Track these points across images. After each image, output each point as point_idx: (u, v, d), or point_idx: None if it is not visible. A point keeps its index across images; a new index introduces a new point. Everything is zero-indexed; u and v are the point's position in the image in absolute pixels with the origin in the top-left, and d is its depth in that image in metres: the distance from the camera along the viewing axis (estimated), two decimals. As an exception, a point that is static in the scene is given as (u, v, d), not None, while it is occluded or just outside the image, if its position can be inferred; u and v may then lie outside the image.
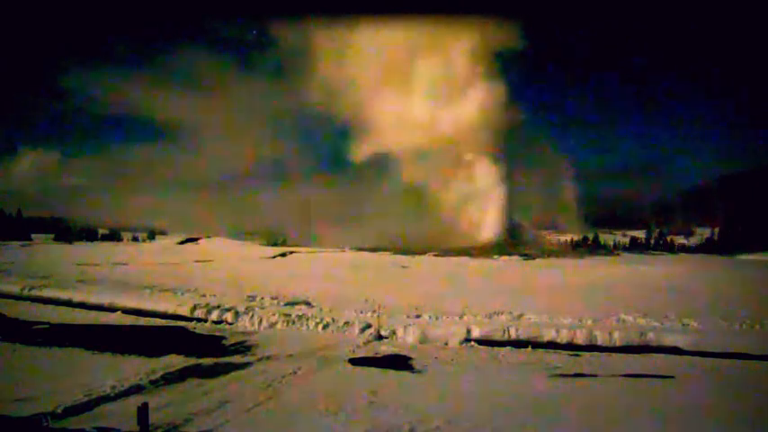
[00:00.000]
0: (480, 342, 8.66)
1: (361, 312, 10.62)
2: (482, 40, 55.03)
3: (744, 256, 36.64)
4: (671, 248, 59.17)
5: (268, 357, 7.39)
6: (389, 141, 58.51)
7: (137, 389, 5.75)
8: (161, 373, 6.40)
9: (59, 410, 4.92)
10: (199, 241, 45.03)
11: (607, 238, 74.31)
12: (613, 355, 8.16)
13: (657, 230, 73.26)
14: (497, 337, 8.80)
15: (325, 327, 9.48)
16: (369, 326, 9.28)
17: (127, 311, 11.09)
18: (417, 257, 32.85)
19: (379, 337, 8.88)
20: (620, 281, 18.25)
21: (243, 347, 8.13)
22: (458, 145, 54.63)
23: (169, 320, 10.48)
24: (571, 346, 8.52)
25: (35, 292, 13.07)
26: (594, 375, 6.70)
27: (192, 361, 7.07)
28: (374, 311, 10.25)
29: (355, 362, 7.24)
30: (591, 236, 67.60)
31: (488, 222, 50.03)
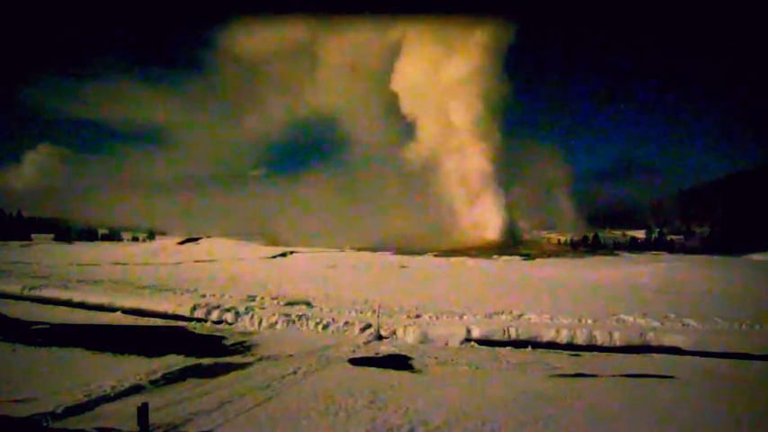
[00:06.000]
0: (480, 342, 8.65)
1: (361, 312, 10.63)
2: (479, 40, 55.20)
3: (753, 256, 36.66)
4: (671, 248, 59.23)
5: (268, 357, 7.38)
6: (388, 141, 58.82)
7: (137, 389, 5.75)
8: (161, 373, 6.41)
9: (59, 410, 4.91)
10: (199, 241, 45.07)
11: (607, 238, 74.47)
12: (613, 355, 8.16)
13: (657, 230, 73.31)
14: (497, 337, 8.79)
15: (325, 327, 9.47)
16: (369, 326, 9.28)
17: (127, 311, 11.09)
18: (417, 257, 32.83)
19: (379, 337, 8.87)
20: (620, 281, 18.23)
21: (243, 347, 8.12)
22: (458, 144, 54.81)
23: (169, 320, 10.48)
24: (571, 346, 8.52)
25: (35, 292, 13.08)
26: (594, 375, 6.68)
27: (192, 361, 7.06)
28: (374, 311, 10.25)
29: (355, 362, 7.24)
30: (591, 236, 67.75)
31: (489, 223, 50.14)
